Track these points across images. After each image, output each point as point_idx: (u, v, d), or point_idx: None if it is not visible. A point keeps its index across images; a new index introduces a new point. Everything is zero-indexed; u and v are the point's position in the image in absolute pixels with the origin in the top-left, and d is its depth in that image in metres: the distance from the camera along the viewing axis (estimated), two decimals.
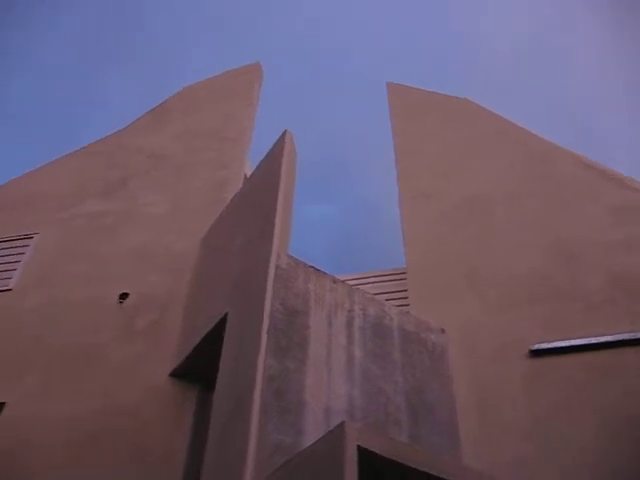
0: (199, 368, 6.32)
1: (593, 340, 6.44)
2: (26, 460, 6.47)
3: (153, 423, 6.30)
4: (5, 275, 8.66)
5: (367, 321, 5.88)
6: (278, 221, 5.81)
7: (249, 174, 8.89)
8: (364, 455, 3.51)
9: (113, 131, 10.85)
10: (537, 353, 6.53)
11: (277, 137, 7.04)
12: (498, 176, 8.66)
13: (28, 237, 9.11)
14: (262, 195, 6.60)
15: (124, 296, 7.57)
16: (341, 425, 3.59)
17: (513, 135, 9.35)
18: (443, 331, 6.47)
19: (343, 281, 6.07)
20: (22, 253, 8.90)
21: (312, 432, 4.66)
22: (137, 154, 10.00)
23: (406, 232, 8.32)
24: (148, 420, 6.34)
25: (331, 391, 5.08)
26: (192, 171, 9.26)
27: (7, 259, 8.88)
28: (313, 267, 5.79)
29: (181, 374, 6.49)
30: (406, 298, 7.41)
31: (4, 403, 7.01)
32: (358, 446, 3.51)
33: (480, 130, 9.65)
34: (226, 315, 5.81)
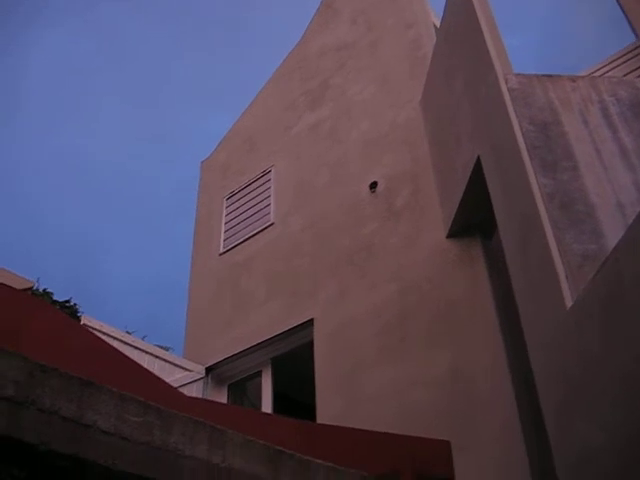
0: (472, 219, 6.29)
1: None
2: (346, 361, 6.95)
3: (450, 286, 6.41)
4: (263, 213, 9.21)
5: (623, 104, 5.44)
6: (491, 46, 5.51)
7: (438, 23, 8.54)
8: None
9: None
10: None
11: None
12: None
13: (267, 172, 9.58)
14: (463, 32, 6.30)
15: (374, 185, 7.72)
16: None
17: None
18: None
19: (581, 76, 5.67)
20: (268, 188, 9.39)
21: (612, 231, 4.45)
22: (326, 54, 10.00)
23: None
24: (444, 285, 6.46)
25: (616, 186, 4.80)
26: (383, 43, 9.07)
27: (259, 198, 9.43)
28: (545, 75, 5.44)
29: (457, 232, 6.50)
30: None
31: (312, 319, 7.55)
32: None
33: None
34: (478, 158, 5.68)
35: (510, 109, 5.01)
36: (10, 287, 3.66)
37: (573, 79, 5.50)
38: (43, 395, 2.23)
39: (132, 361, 3.87)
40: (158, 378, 3.94)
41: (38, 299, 6.34)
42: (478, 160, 5.68)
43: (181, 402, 3.22)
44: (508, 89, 5.18)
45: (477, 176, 5.69)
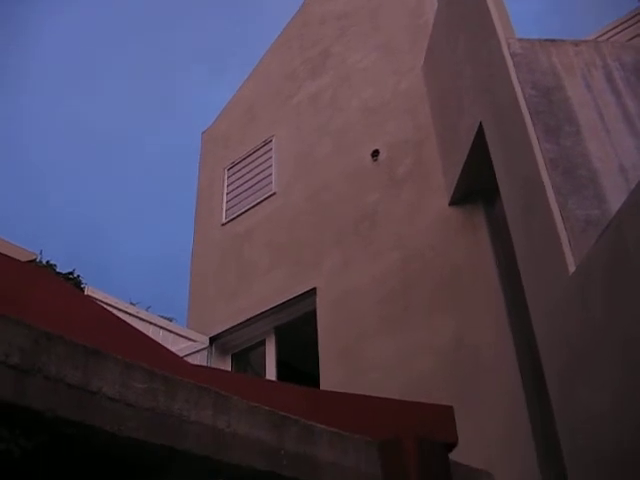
0: (475, 186, 6.27)
1: None
2: (349, 330, 6.99)
3: (453, 253, 6.41)
4: (265, 183, 9.19)
5: (626, 70, 5.40)
6: (493, 11, 5.45)
7: None
8: None
9: None
10: None
11: None
12: None
13: (268, 142, 9.53)
14: None
15: (375, 154, 7.69)
16: None
17: None
18: None
19: (585, 41, 5.62)
20: (270, 158, 9.36)
21: (615, 196, 4.44)
22: (326, 22, 9.89)
23: None
24: (447, 253, 6.47)
25: (618, 150, 4.79)
26: (384, 10, 8.98)
27: (261, 168, 9.39)
28: (548, 39, 5.39)
29: (460, 199, 6.49)
30: None
31: (315, 288, 7.56)
32: None
33: None
34: (481, 124, 5.65)
35: (513, 74, 4.97)
36: (13, 258, 3.66)
37: (576, 44, 5.45)
38: (49, 362, 2.24)
39: (136, 330, 3.87)
40: (162, 347, 3.95)
41: (42, 270, 6.35)
42: (480, 126, 5.65)
43: (185, 370, 3.23)
44: (511, 54, 5.14)
45: (479, 142, 5.67)
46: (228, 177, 9.88)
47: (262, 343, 8.28)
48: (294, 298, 7.74)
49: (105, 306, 7.24)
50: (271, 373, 7.87)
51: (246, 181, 9.53)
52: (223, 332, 8.39)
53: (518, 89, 4.87)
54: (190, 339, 8.41)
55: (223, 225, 9.43)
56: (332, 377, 6.77)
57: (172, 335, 8.36)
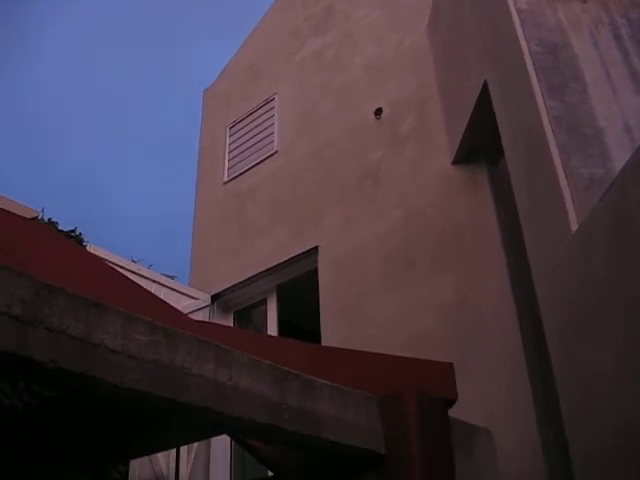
0: (478, 144, 6.23)
1: None
2: (351, 288, 7.01)
3: (455, 212, 6.39)
4: (267, 141, 9.13)
5: (634, 27, 5.32)
6: None
7: None
8: None
9: None
10: None
11: None
12: None
13: (270, 100, 9.45)
14: None
15: (379, 112, 7.63)
16: None
17: None
18: None
19: None
20: (272, 116, 9.28)
21: (619, 154, 4.40)
22: None
23: None
24: (449, 211, 6.45)
25: (624, 109, 4.73)
26: None
27: (263, 126, 9.33)
28: None
29: (463, 158, 6.44)
30: None
31: (317, 246, 7.56)
32: None
33: None
34: (485, 83, 5.58)
35: (519, 30, 4.90)
36: (15, 214, 3.66)
37: (583, 0, 5.36)
38: (51, 314, 2.25)
39: (139, 286, 3.89)
40: (164, 302, 3.97)
41: (43, 226, 6.36)
42: (485, 84, 5.58)
43: (188, 325, 3.25)
44: (517, 10, 5.06)
45: (484, 101, 5.60)
46: (230, 135, 9.82)
47: (264, 301, 8.32)
48: (296, 256, 7.74)
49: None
50: (273, 331, 7.91)
51: (248, 139, 9.47)
52: (225, 290, 8.42)
53: (524, 45, 4.80)
54: (192, 297, 8.44)
55: (225, 183, 9.41)
56: (333, 335, 6.80)
57: (174, 293, 8.38)
